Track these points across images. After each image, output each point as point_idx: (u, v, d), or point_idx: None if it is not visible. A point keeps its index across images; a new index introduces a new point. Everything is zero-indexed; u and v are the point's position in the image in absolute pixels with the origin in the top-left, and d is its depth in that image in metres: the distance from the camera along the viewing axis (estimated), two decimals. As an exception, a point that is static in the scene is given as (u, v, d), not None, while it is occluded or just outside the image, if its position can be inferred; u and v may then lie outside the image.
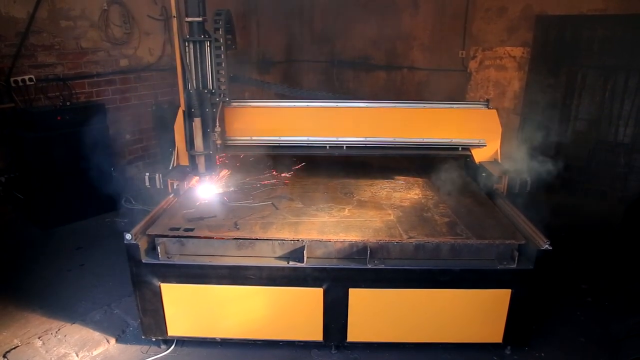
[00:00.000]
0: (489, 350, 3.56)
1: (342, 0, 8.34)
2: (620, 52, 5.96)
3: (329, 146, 4.32)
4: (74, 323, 3.83)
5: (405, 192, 4.22)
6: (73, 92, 5.82)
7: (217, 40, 3.72)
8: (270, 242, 3.27)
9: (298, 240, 3.24)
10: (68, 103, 5.61)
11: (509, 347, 3.55)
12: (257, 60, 8.49)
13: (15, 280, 4.44)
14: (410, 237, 3.28)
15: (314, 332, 3.41)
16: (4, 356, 3.45)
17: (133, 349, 3.61)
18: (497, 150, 4.35)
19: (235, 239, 3.28)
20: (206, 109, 3.79)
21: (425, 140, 4.32)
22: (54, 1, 5.51)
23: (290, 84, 7.55)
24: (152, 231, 3.32)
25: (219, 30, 3.69)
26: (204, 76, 3.80)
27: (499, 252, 3.26)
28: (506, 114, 7.04)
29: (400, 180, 4.51)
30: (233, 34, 4.03)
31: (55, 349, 3.53)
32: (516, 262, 3.20)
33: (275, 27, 8.64)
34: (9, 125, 5.29)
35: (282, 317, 3.41)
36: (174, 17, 3.71)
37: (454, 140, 4.32)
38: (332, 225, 3.46)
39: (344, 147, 4.32)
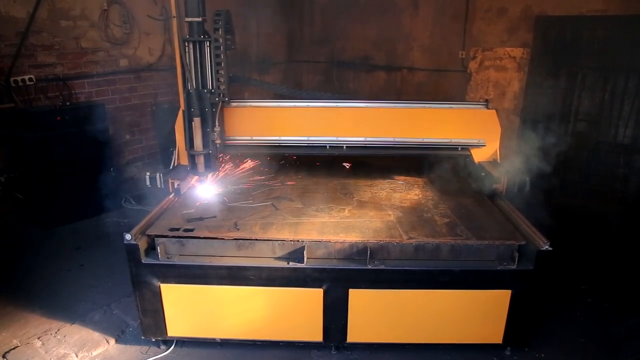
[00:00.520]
0: (489, 351, 3.55)
1: (342, 1, 8.35)
2: (620, 53, 5.96)
3: (329, 146, 4.32)
4: (73, 323, 3.82)
5: (405, 192, 4.22)
6: (73, 92, 5.81)
7: (216, 40, 3.73)
8: (270, 242, 3.26)
9: (298, 241, 3.24)
10: (68, 103, 5.61)
11: (508, 348, 3.55)
12: (256, 60, 8.48)
13: (14, 281, 4.44)
14: (410, 238, 3.27)
15: (314, 332, 3.40)
16: (4, 356, 3.44)
17: (133, 350, 3.60)
18: (496, 150, 4.35)
19: (235, 239, 3.28)
20: (205, 109, 3.81)
21: (424, 140, 4.32)
22: (54, 1, 5.51)
23: (290, 85, 7.57)
24: (151, 231, 3.32)
25: (218, 30, 3.71)
26: (204, 76, 3.82)
27: (499, 252, 3.25)
28: (506, 114, 7.04)
29: (400, 181, 4.51)
30: (232, 34, 4.03)
31: (54, 349, 3.53)
32: (516, 262, 3.20)
33: (275, 27, 8.64)
34: (8, 125, 5.28)
35: (282, 317, 3.40)
36: (174, 17, 3.73)
37: (453, 141, 4.33)
38: (332, 226, 3.46)
39: (344, 147, 4.32)
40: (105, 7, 5.93)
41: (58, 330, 3.74)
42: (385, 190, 4.25)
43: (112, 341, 3.67)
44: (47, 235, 5.42)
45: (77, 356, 3.49)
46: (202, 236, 3.30)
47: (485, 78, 7.13)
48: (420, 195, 4.14)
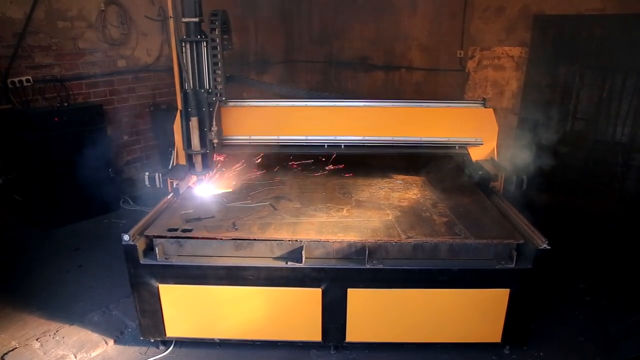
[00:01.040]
0: (488, 350, 3.56)
1: (340, 1, 8.35)
2: (618, 52, 5.97)
3: (327, 145, 4.33)
4: (72, 324, 3.82)
5: (403, 192, 4.22)
6: (70, 93, 5.81)
7: (213, 40, 3.74)
8: (269, 242, 3.26)
9: (296, 241, 3.24)
10: (65, 104, 5.61)
11: (507, 347, 3.55)
12: (255, 60, 8.49)
13: (13, 282, 4.43)
14: (409, 237, 3.27)
15: (313, 332, 3.40)
16: (2, 358, 3.44)
17: (131, 350, 3.60)
18: (493, 149, 4.36)
19: (233, 239, 3.28)
20: (203, 109, 3.82)
21: (422, 138, 4.33)
22: (50, 2, 5.50)
23: (288, 85, 7.55)
24: (150, 232, 3.32)
25: (215, 30, 3.71)
26: (201, 76, 3.83)
27: (498, 251, 3.25)
28: (504, 113, 7.05)
29: (399, 180, 4.51)
30: (229, 34, 4.05)
31: (53, 350, 3.52)
32: (514, 261, 3.19)
33: (273, 27, 8.65)
34: (6, 127, 5.28)
35: (281, 317, 3.40)
36: (171, 17, 3.72)
37: (451, 139, 4.34)
38: (331, 226, 3.46)
39: (342, 146, 4.33)
40: (103, 8, 5.93)
41: (57, 331, 3.74)
42: (384, 190, 4.25)
43: (111, 342, 3.66)
44: (46, 236, 5.42)
45: (75, 357, 3.48)
46: (200, 236, 3.30)
47: (483, 77, 7.14)
48: (419, 195, 4.14)
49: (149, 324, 3.42)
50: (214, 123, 3.87)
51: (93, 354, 3.55)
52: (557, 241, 3.17)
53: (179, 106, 3.92)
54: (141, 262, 3.21)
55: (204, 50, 3.77)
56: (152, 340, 3.55)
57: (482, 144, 4.33)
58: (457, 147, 4.37)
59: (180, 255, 3.31)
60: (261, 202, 3.91)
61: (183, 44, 3.71)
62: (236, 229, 3.38)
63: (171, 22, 3.73)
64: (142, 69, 6.63)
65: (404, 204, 3.91)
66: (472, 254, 3.27)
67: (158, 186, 4.05)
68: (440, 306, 3.34)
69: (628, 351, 3.39)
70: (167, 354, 3.55)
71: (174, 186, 4.14)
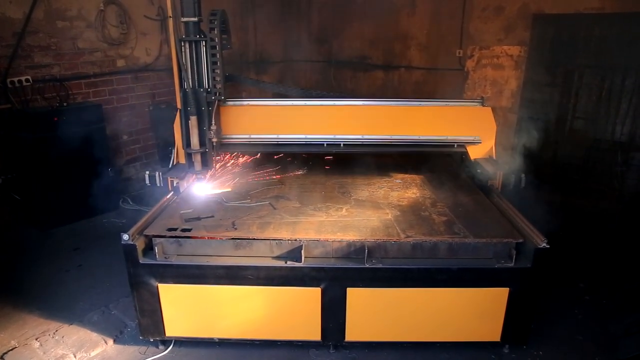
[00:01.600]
0: (487, 349, 3.56)
1: (339, 1, 8.35)
2: (617, 51, 5.96)
3: (327, 144, 4.34)
4: (71, 324, 3.82)
5: (402, 191, 4.22)
6: (70, 92, 5.80)
7: (212, 40, 3.74)
8: (268, 242, 3.26)
9: (296, 240, 3.24)
10: (65, 104, 5.61)
11: (507, 346, 3.55)
12: (254, 60, 8.49)
13: (12, 282, 4.44)
14: (408, 236, 3.28)
15: (312, 331, 3.40)
16: (2, 358, 3.44)
17: (131, 350, 3.60)
18: (492, 147, 4.37)
19: (232, 239, 3.28)
20: (202, 108, 3.83)
21: (421, 137, 4.34)
22: (50, 1, 5.50)
23: (287, 84, 7.55)
24: (149, 232, 3.32)
25: (214, 30, 3.72)
26: (200, 75, 3.83)
27: (497, 250, 3.26)
28: (503, 112, 7.05)
29: (398, 180, 4.51)
30: (228, 33, 4.05)
31: (52, 350, 3.53)
32: (514, 260, 3.20)
33: (273, 27, 8.64)
34: (5, 126, 5.28)
35: (280, 317, 3.40)
36: (170, 17, 3.73)
37: (449, 138, 4.36)
38: (330, 225, 3.46)
39: (341, 145, 4.34)
40: (102, 8, 5.93)
41: (56, 331, 3.74)
42: (383, 189, 4.25)
43: (110, 341, 3.67)
44: (45, 236, 5.42)
45: (75, 357, 3.49)
46: (199, 236, 3.30)
47: (482, 76, 7.13)
48: (418, 194, 4.14)
49: (148, 324, 3.42)
50: (213, 122, 3.88)
51: (92, 354, 3.55)
52: (557, 240, 3.17)
53: (179, 105, 3.93)
54: (140, 261, 3.22)
55: (203, 49, 3.77)
56: (152, 340, 3.55)
57: (480, 143, 4.34)
58: (455, 146, 4.39)
59: (180, 254, 3.31)
60: (260, 202, 3.91)
61: (182, 44, 3.72)
62: (235, 229, 3.38)
63: (170, 21, 3.74)
64: (141, 69, 6.62)
65: (403, 203, 3.91)
66: (471, 253, 3.28)
67: (158, 185, 4.07)
68: (439, 305, 3.34)
69: (627, 350, 3.40)
70: (167, 353, 3.56)
71: (174, 185, 4.15)
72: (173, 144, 4.34)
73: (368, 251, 3.20)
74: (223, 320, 3.42)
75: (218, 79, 3.88)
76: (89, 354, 3.53)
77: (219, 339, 3.53)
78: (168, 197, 3.97)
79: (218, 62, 3.83)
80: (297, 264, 3.19)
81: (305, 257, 3.19)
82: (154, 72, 6.77)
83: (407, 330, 3.44)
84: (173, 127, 4.26)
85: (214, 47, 3.77)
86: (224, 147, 4.28)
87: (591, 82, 6.28)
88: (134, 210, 6.08)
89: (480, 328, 3.43)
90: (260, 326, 3.43)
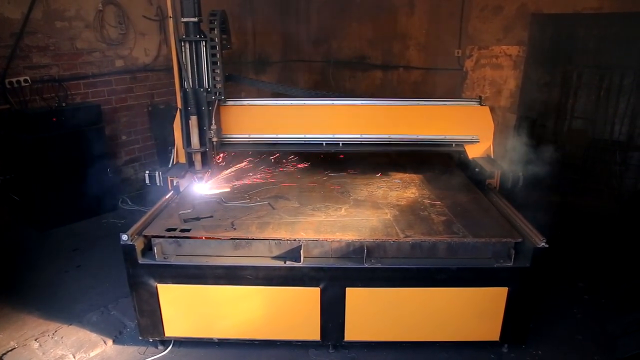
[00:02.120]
0: (486, 349, 3.56)
1: (338, 0, 8.35)
2: (615, 50, 5.98)
3: (326, 143, 4.38)
4: (70, 324, 3.82)
5: (401, 191, 4.22)
6: (68, 93, 5.80)
7: (212, 40, 3.77)
8: (267, 242, 3.26)
9: (295, 240, 3.24)
10: (63, 104, 5.60)
11: (506, 345, 3.55)
12: (253, 60, 8.49)
13: (11, 282, 4.43)
14: (407, 236, 3.28)
15: (312, 331, 3.40)
16: (1, 358, 3.44)
17: (130, 350, 3.60)
18: (490, 146, 4.41)
19: (231, 239, 3.28)
20: (202, 108, 3.86)
21: (419, 136, 4.38)
22: (48, 2, 5.49)
23: (287, 85, 7.55)
24: (148, 232, 3.32)
25: (214, 30, 3.75)
26: (200, 75, 3.87)
27: (496, 250, 3.26)
28: (502, 112, 7.05)
29: (397, 179, 4.51)
30: (228, 33, 4.07)
31: (52, 350, 3.53)
32: (513, 260, 3.20)
33: (271, 27, 8.64)
34: (4, 127, 5.28)
35: (280, 316, 3.40)
36: (170, 17, 3.74)
37: (447, 137, 4.39)
38: (329, 225, 3.46)
39: (340, 144, 4.38)
40: (101, 8, 5.92)
41: (55, 331, 3.74)
42: (382, 189, 4.25)
43: (110, 342, 3.67)
44: (44, 236, 5.42)
45: (74, 357, 3.48)
46: (198, 236, 3.30)
47: (481, 76, 7.13)
48: (417, 194, 4.14)
49: (147, 324, 3.42)
50: (213, 122, 3.91)
51: (92, 354, 3.55)
52: (555, 240, 3.18)
53: (179, 105, 3.96)
54: (140, 261, 3.21)
55: (203, 49, 3.81)
56: (151, 340, 3.55)
57: (478, 142, 4.37)
58: (453, 145, 4.43)
59: (179, 254, 3.31)
60: (259, 202, 3.91)
61: (182, 44, 3.75)
62: (234, 229, 3.38)
63: (170, 22, 3.75)
64: (140, 69, 6.62)
65: (402, 203, 3.91)
66: (470, 253, 3.28)
67: (158, 184, 4.11)
68: (438, 305, 3.34)
69: (626, 349, 3.40)
70: (166, 353, 3.55)
71: (174, 184, 4.17)
72: (172, 143, 4.36)
73: (367, 251, 3.20)
74: (222, 320, 3.42)
75: (218, 78, 3.91)
76: (88, 355, 3.53)
77: (219, 339, 3.53)
78: (167, 197, 3.97)
79: (218, 62, 3.86)
80: (296, 264, 3.19)
81: (304, 257, 3.19)
82: (152, 72, 6.76)
83: (407, 330, 3.44)
84: (172, 127, 4.27)
85: (214, 47, 3.81)
86: (224, 146, 4.30)
87: (590, 82, 6.31)
88: (133, 211, 6.07)
89: (479, 328, 3.44)
90: (259, 326, 3.43)
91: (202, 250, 3.31)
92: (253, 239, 3.27)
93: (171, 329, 3.44)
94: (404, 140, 4.38)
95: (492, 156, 4.38)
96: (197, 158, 3.96)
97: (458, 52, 7.39)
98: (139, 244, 3.24)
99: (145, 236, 3.30)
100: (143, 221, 3.46)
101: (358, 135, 4.36)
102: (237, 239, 3.28)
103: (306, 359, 3.52)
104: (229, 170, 4.42)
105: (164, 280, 3.27)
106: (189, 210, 3.69)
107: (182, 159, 4.26)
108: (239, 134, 4.32)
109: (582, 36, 6.22)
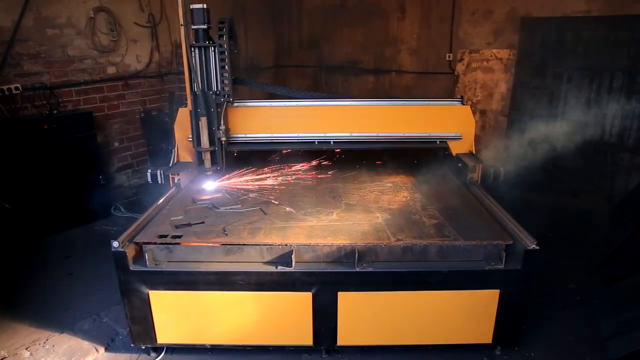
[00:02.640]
0: (479, 351, 3.56)
1: (330, 6, 8.39)
2: (604, 53, 6.02)
3: (317, 142, 4.68)
4: (62, 333, 3.80)
5: (393, 194, 4.23)
6: (60, 100, 5.79)
7: (221, 45, 4.08)
8: (259, 247, 3.26)
9: (286, 245, 3.23)
10: (55, 112, 5.59)
11: (498, 348, 3.56)
12: (245, 66, 8.49)
13: (2, 290, 4.40)
14: (398, 240, 3.29)
15: (304, 336, 3.40)
16: (-9, 368, 3.42)
17: (122, 358, 3.58)
18: (472, 143, 4.73)
19: (223, 245, 3.27)
20: (211, 109, 4.19)
21: (406, 134, 4.72)
22: (39, 9, 5.49)
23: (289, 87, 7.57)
24: (139, 239, 3.30)
25: (222, 37, 4.05)
26: (209, 79, 4.18)
27: (487, 252, 3.27)
28: (494, 115, 7.10)
29: (389, 183, 4.53)
30: (235, 39, 4.37)
31: (43, 359, 3.50)
32: (504, 262, 3.21)
33: (263, 32, 8.66)
34: (-5, 135, 5.25)
35: (272, 322, 3.39)
36: (182, 25, 4.02)
37: (432, 134, 4.73)
38: (320, 229, 3.46)
39: (331, 142, 4.70)
40: (92, 15, 5.92)
41: (47, 340, 3.72)
42: (374, 193, 4.26)
43: (102, 350, 3.65)
44: (36, 244, 5.38)
45: (66, 366, 3.46)
46: (190, 243, 3.29)
47: (472, 80, 7.18)
48: (409, 197, 4.16)
49: (139, 331, 3.40)
50: (222, 122, 4.22)
51: (83, 362, 3.53)
52: (546, 241, 3.19)
53: (189, 106, 4.26)
54: (131, 268, 3.20)
55: (212, 54, 4.12)
56: (143, 347, 3.53)
57: (461, 139, 4.69)
58: (438, 142, 4.74)
59: (171, 261, 3.30)
60: (251, 207, 3.91)
61: (192, 49, 4.07)
62: (226, 235, 3.38)
63: (181, 29, 4.04)
64: (132, 76, 6.61)
65: (394, 207, 3.92)
66: (461, 256, 3.29)
67: (160, 182, 4.38)
68: (430, 308, 3.35)
69: (617, 350, 3.41)
70: (158, 360, 3.54)
71: (175, 181, 4.35)
72: (167, 147, 4.44)
73: (358, 255, 3.21)
74: (214, 326, 3.41)
75: (226, 82, 4.21)
76: (80, 363, 3.51)
77: (211, 345, 3.51)
78: (159, 203, 3.96)
79: (226, 66, 4.16)
80: (287, 269, 3.19)
81: (295, 262, 3.19)
82: (144, 79, 6.76)
83: (399, 334, 3.44)
84: (168, 130, 4.37)
85: (222, 53, 4.11)
86: (230, 145, 4.58)
87: (580, 84, 6.34)
88: (126, 218, 6.06)
89: (472, 330, 3.44)
90: (252, 332, 3.42)
91: (193, 257, 3.30)
92: (244, 244, 3.27)
93: (163, 336, 3.42)
94: (391, 137, 4.71)
95: (473, 152, 4.66)
96: (207, 157, 4.33)
97: (449, 56, 7.46)
98: (130, 251, 3.24)
99: (136, 243, 3.29)
100: (134, 228, 3.45)
101: (348, 134, 4.69)
102: (229, 244, 3.27)
103: (299, 364, 3.52)
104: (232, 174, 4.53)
105: (155, 286, 3.26)
106: (180, 217, 3.69)
107: (182, 158, 4.68)
108: (241, 133, 4.66)
109: (571, 39, 6.26)
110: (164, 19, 6.76)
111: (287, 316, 3.36)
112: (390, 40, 8.04)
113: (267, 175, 4.57)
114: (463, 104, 4.81)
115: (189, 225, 3.54)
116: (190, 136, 4.46)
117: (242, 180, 4.44)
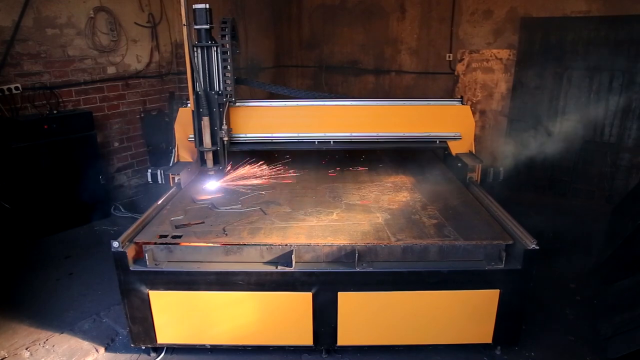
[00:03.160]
0: (480, 351, 3.57)
1: (330, 6, 8.39)
2: (604, 53, 6.03)
3: (318, 142, 4.71)
4: (62, 333, 3.80)
5: (393, 194, 4.23)
6: (60, 100, 5.78)
7: (223, 45, 4.09)
8: (259, 247, 3.26)
9: (286, 245, 3.24)
10: (55, 111, 5.58)
11: (499, 347, 3.56)
12: (245, 66, 8.50)
13: (2, 290, 4.40)
14: (398, 240, 3.29)
15: (304, 336, 3.40)
16: (-9, 368, 3.42)
17: (122, 358, 3.58)
18: (471, 143, 4.74)
19: (223, 245, 3.27)
20: (214, 109, 4.20)
21: (406, 134, 4.74)
22: (39, 9, 5.48)
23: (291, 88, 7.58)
24: (139, 239, 3.31)
25: (225, 37, 4.05)
26: (211, 78, 4.19)
27: (487, 252, 3.27)
28: (494, 115, 7.10)
29: (389, 183, 4.53)
30: (237, 39, 4.36)
31: (43, 359, 3.50)
32: (504, 262, 3.22)
33: (264, 33, 8.66)
34: (-5, 135, 5.25)
35: (272, 322, 3.39)
36: (184, 25, 3.99)
37: (432, 134, 4.74)
38: (321, 229, 3.46)
39: (331, 142, 4.72)
40: (92, 15, 5.92)
41: (47, 340, 3.72)
42: (374, 193, 4.26)
43: (102, 350, 3.64)
44: (36, 244, 5.38)
45: (66, 366, 3.46)
46: (190, 243, 3.29)
47: (472, 80, 7.18)
48: (409, 197, 4.15)
49: (139, 331, 3.40)
50: (224, 122, 4.23)
51: (83, 362, 3.53)
52: (546, 241, 3.19)
53: (191, 106, 4.25)
54: (131, 268, 3.20)
55: (215, 54, 4.12)
56: (143, 347, 3.53)
57: (460, 138, 4.69)
58: (437, 142, 4.75)
59: (170, 261, 3.30)
60: (251, 207, 3.91)
61: (195, 49, 4.06)
62: (226, 235, 3.38)
63: (184, 29, 3.99)
64: (132, 76, 6.61)
65: (394, 207, 3.92)
66: (461, 256, 3.29)
67: (160, 182, 4.37)
68: (430, 308, 3.35)
69: (617, 350, 3.41)
70: (158, 360, 3.54)
71: (176, 181, 4.34)
72: (167, 147, 4.43)
73: (358, 255, 3.21)
74: (214, 326, 3.41)
75: (229, 82, 4.21)
76: (80, 363, 3.51)
77: (211, 345, 3.51)
78: (159, 203, 3.96)
79: (228, 66, 4.16)
80: (287, 269, 3.20)
81: (295, 262, 3.20)
82: (145, 79, 6.75)
83: (399, 334, 3.45)
84: (168, 130, 4.36)
85: (224, 53, 4.11)
86: (232, 145, 4.61)
87: (579, 84, 6.35)
88: (126, 218, 6.06)
89: (472, 330, 3.44)
90: (252, 332, 3.42)
91: (193, 257, 3.30)
92: (244, 244, 3.27)
93: (163, 336, 3.42)
94: (391, 137, 4.72)
95: (473, 152, 4.67)
96: (209, 156, 4.34)
97: (449, 56, 7.46)
98: (130, 251, 3.24)
99: (136, 243, 3.29)
100: (134, 228, 3.45)
101: (348, 134, 4.71)
102: (229, 244, 3.27)
103: (299, 364, 3.52)
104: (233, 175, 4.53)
105: (155, 286, 3.26)
106: (180, 217, 3.69)
107: (183, 158, 4.70)
108: (243, 133, 4.69)
109: (570, 39, 6.27)
110: (164, 19, 6.76)
111: (287, 316, 3.36)
112: (390, 40, 8.04)
113: (267, 176, 4.59)
114: (463, 104, 4.82)
115: (189, 225, 3.54)
116: (191, 136, 4.47)
117: (243, 180, 4.44)
